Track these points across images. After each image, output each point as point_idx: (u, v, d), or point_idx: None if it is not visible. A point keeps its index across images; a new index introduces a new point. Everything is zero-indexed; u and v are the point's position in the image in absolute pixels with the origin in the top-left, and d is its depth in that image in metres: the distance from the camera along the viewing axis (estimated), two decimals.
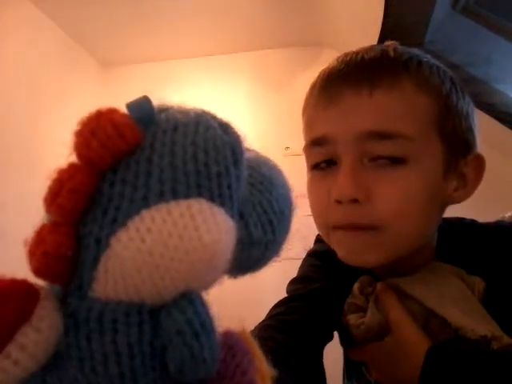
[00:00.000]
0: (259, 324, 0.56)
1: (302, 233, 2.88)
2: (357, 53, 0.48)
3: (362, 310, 0.50)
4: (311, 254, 0.65)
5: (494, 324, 0.44)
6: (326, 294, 0.55)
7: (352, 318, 0.51)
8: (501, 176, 2.20)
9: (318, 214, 0.50)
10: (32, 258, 0.18)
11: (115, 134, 0.17)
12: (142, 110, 0.18)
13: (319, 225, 0.51)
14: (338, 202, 0.44)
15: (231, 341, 0.22)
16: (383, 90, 0.44)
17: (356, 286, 0.52)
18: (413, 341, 0.45)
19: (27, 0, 2.27)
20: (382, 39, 1.99)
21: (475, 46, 1.90)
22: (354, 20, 2.35)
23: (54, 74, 2.52)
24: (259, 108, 2.85)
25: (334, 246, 0.50)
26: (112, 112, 0.18)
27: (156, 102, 0.20)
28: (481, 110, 2.00)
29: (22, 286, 0.17)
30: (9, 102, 2.14)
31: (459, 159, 0.48)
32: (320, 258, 0.62)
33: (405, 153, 0.43)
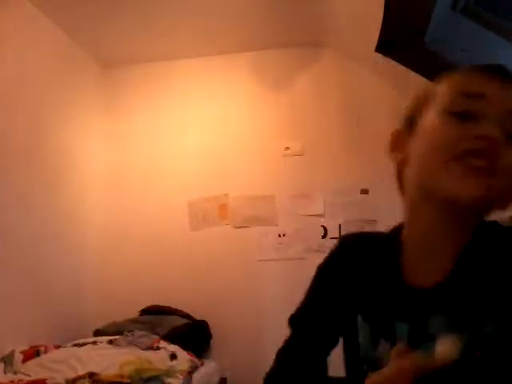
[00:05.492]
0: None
1: (302, 233, 2.88)
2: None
3: None
4: (317, 267, 0.72)
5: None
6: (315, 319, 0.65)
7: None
8: None
9: (445, 146, 0.56)
10: None
11: None
12: None
13: (439, 156, 0.57)
14: (483, 137, 0.53)
15: None
16: None
17: None
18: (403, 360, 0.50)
19: (27, 0, 2.27)
20: (381, 39, 1.99)
21: (475, 46, 1.90)
22: (354, 20, 2.35)
23: (54, 75, 2.52)
24: (259, 108, 2.85)
25: (445, 177, 0.56)
26: None
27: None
28: None
29: None
30: (9, 102, 2.14)
31: None
32: (324, 266, 0.70)
33: None
